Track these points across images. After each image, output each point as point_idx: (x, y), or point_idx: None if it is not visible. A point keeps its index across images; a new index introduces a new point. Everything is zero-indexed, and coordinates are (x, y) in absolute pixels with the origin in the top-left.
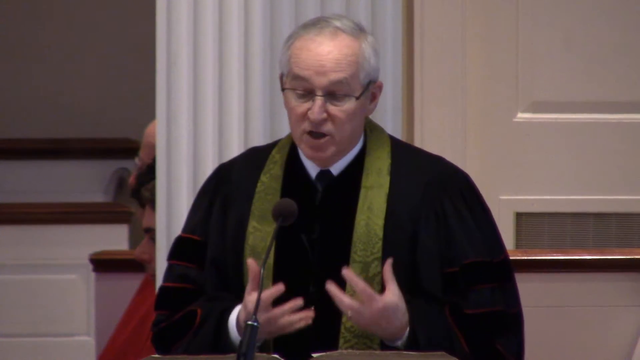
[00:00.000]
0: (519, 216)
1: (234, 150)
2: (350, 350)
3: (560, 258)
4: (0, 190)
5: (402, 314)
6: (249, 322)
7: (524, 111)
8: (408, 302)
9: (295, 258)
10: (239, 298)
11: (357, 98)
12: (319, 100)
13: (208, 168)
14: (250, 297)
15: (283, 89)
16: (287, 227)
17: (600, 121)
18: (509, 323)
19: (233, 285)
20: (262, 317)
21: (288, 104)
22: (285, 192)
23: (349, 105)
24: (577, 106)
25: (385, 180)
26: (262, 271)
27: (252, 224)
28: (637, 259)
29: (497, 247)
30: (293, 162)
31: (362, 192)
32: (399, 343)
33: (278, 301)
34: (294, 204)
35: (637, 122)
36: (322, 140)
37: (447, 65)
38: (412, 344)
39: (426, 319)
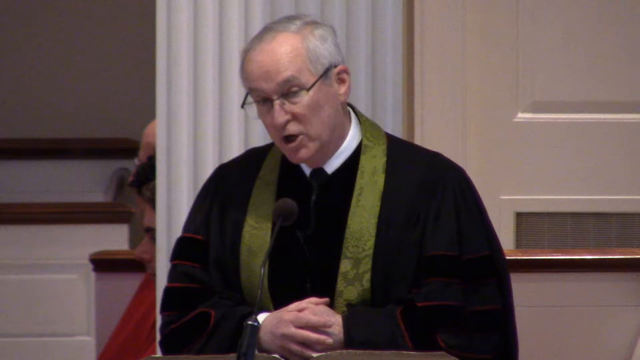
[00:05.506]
0: (519, 216)
1: (234, 150)
2: (350, 351)
3: (560, 258)
4: (0, 190)
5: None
6: (249, 322)
7: (524, 111)
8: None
9: (291, 254)
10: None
11: (308, 89)
12: (275, 105)
13: (208, 168)
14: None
15: (242, 105)
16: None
17: (600, 121)
18: (457, 319)
19: (233, 284)
20: (283, 329)
21: (260, 118)
22: (281, 190)
23: (306, 98)
24: (577, 106)
25: (380, 179)
26: (262, 270)
27: (249, 223)
28: (637, 258)
29: (478, 242)
30: (289, 162)
31: (356, 190)
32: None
33: (277, 296)
34: (294, 204)
35: (637, 122)
36: (297, 142)
37: (447, 65)
38: (349, 343)
39: (363, 318)
